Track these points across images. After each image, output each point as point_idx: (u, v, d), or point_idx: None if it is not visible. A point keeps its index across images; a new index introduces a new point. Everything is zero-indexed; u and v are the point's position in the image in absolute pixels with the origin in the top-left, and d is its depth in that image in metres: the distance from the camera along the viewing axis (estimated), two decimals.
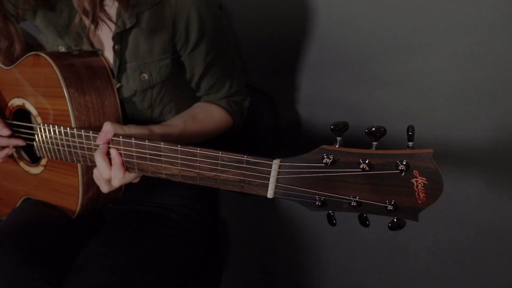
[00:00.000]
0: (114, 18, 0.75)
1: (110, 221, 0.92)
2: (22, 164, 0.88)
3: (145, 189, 0.92)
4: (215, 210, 1.08)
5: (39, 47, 0.90)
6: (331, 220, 0.55)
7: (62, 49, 0.83)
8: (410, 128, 0.49)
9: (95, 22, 0.72)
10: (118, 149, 0.66)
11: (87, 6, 0.69)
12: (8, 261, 0.71)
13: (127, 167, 0.67)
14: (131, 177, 0.68)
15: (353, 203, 0.52)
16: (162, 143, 0.63)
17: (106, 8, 0.75)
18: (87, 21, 0.74)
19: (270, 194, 0.56)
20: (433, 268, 1.03)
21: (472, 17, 0.78)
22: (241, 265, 1.35)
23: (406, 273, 1.07)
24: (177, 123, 0.79)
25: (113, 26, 0.76)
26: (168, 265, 0.82)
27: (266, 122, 1.02)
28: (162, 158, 0.64)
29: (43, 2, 0.80)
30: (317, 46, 0.96)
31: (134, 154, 0.66)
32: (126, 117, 0.84)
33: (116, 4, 0.75)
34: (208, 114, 0.86)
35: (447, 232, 0.98)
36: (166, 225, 0.88)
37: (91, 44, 0.81)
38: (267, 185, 0.56)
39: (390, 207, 0.50)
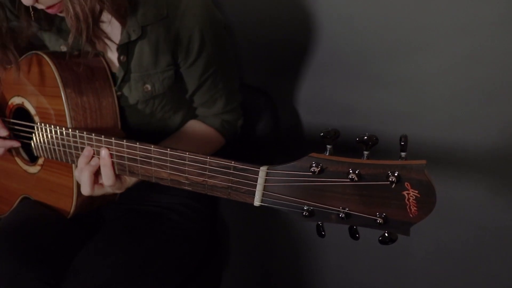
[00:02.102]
0: (119, 30, 0.75)
1: (109, 221, 0.92)
2: (20, 162, 0.89)
3: (144, 189, 0.91)
4: (215, 210, 1.07)
5: (42, 46, 0.90)
6: (320, 231, 0.53)
7: (64, 48, 0.83)
8: (403, 138, 0.46)
9: (90, 41, 0.71)
10: (109, 149, 0.67)
11: (80, 25, 0.68)
12: (7, 262, 0.72)
13: (118, 169, 0.67)
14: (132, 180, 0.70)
15: (342, 215, 0.50)
16: (152, 146, 0.63)
17: (104, 25, 0.75)
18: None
19: (257, 202, 0.54)
20: (433, 268, 1.02)
21: (472, 17, 0.77)
22: (241, 265, 1.35)
23: (406, 274, 1.07)
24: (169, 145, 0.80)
25: (115, 40, 0.75)
26: (168, 265, 0.82)
27: (266, 123, 1.01)
28: (152, 161, 0.63)
29: (47, 26, 0.81)
30: (317, 47, 0.95)
31: (125, 155, 0.66)
32: (126, 122, 0.83)
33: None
34: (201, 136, 0.88)
35: (447, 233, 0.97)
36: (166, 225, 0.87)
37: (94, 48, 0.80)
38: (254, 193, 0.54)
39: (379, 220, 0.48)
